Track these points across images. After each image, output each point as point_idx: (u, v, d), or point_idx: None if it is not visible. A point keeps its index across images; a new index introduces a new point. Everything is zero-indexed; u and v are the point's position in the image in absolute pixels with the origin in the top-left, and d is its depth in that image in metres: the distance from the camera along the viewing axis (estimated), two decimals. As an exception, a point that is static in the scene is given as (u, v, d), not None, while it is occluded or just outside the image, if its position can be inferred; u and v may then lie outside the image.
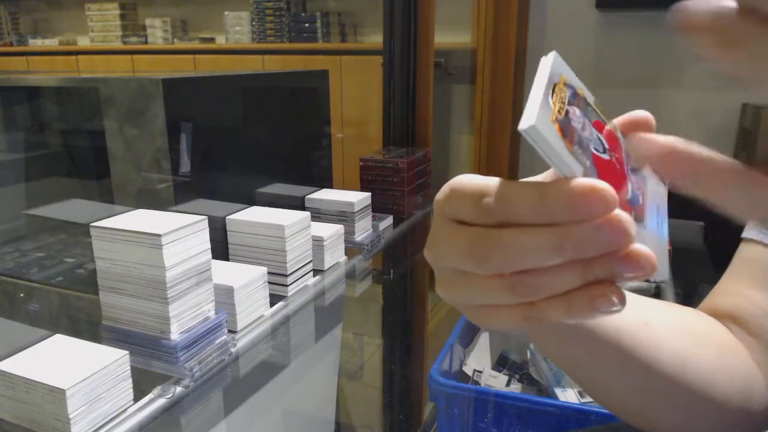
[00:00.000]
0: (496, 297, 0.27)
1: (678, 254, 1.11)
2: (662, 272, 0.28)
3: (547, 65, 0.28)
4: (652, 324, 0.41)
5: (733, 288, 0.50)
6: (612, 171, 0.28)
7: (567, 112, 0.27)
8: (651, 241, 0.28)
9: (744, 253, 0.51)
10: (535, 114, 0.25)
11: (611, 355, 0.39)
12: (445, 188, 0.29)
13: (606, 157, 0.28)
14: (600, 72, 2.51)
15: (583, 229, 0.24)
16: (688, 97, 2.43)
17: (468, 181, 0.28)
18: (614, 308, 0.26)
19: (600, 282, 0.25)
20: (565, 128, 0.26)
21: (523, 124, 0.25)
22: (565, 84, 0.28)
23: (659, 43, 2.42)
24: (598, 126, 0.29)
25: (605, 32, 2.49)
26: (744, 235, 0.51)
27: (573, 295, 0.26)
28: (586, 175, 0.26)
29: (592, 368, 0.40)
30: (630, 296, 0.40)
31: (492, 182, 0.27)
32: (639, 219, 0.28)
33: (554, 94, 0.27)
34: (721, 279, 0.52)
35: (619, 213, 0.24)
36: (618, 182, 0.28)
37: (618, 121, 0.31)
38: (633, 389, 0.41)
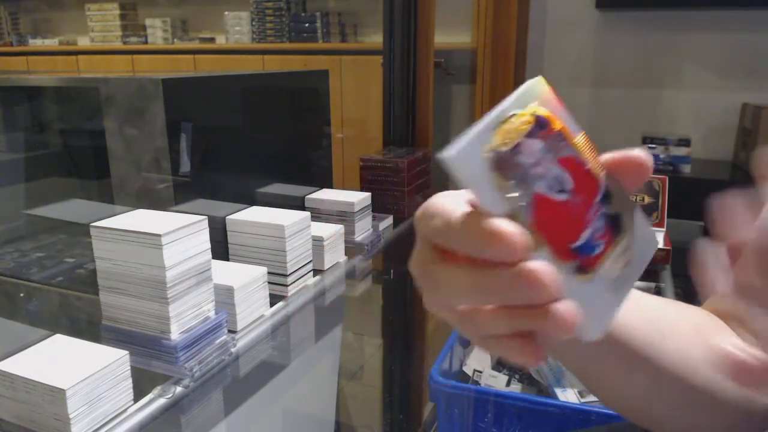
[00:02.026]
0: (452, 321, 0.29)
1: (678, 254, 1.11)
2: (595, 331, 0.27)
3: (517, 92, 0.27)
4: (668, 337, 0.41)
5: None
6: (560, 214, 0.26)
7: (518, 145, 0.25)
8: (595, 295, 0.27)
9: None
10: (462, 144, 0.24)
11: (625, 366, 0.39)
12: (421, 208, 0.30)
13: (560, 197, 0.26)
14: (600, 72, 2.51)
15: (500, 275, 0.24)
16: (688, 97, 2.43)
17: (439, 205, 0.28)
18: (528, 364, 0.26)
19: (523, 335, 0.26)
20: (502, 161, 0.25)
21: (445, 153, 0.24)
22: (533, 114, 0.26)
23: (659, 43, 2.42)
24: (569, 163, 0.27)
25: (605, 32, 2.49)
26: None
27: (502, 340, 0.27)
28: (509, 214, 0.25)
29: (605, 375, 0.41)
30: (649, 304, 0.40)
31: (456, 210, 0.27)
32: (587, 270, 0.27)
33: (506, 123, 0.26)
34: None
35: (534, 266, 0.24)
36: (565, 227, 0.26)
37: (608, 158, 0.29)
38: (643, 395, 0.41)
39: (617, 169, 0.28)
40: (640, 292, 0.40)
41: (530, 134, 0.26)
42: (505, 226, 0.24)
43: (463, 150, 0.24)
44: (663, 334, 0.41)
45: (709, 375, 0.42)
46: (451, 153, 0.24)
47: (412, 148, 1.56)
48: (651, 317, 0.41)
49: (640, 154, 0.28)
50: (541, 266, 0.24)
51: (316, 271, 0.99)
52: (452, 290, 0.27)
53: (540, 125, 0.26)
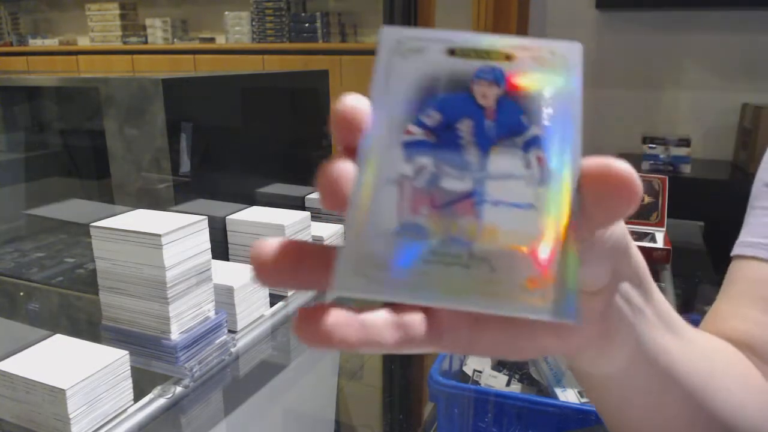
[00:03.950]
0: None
1: (678, 254, 1.11)
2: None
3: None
4: (716, 373, 0.39)
5: (737, 311, 0.46)
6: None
7: None
8: None
9: (743, 271, 0.47)
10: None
11: (681, 407, 0.36)
12: None
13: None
14: (600, 72, 2.51)
15: None
16: (688, 97, 2.43)
17: None
18: None
19: None
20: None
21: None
22: None
23: (659, 43, 2.42)
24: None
25: (605, 32, 2.49)
26: (737, 252, 0.48)
27: None
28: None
29: (637, 403, 0.37)
30: (695, 344, 0.36)
31: None
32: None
33: None
34: (719, 298, 0.49)
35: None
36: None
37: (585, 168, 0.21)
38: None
39: (594, 185, 0.21)
40: (691, 329, 0.37)
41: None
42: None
43: None
44: (713, 371, 0.38)
45: (756, 422, 0.39)
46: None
47: (412, 148, 1.56)
48: (702, 354, 0.38)
49: (623, 168, 0.20)
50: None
51: (316, 271, 0.99)
52: None
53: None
